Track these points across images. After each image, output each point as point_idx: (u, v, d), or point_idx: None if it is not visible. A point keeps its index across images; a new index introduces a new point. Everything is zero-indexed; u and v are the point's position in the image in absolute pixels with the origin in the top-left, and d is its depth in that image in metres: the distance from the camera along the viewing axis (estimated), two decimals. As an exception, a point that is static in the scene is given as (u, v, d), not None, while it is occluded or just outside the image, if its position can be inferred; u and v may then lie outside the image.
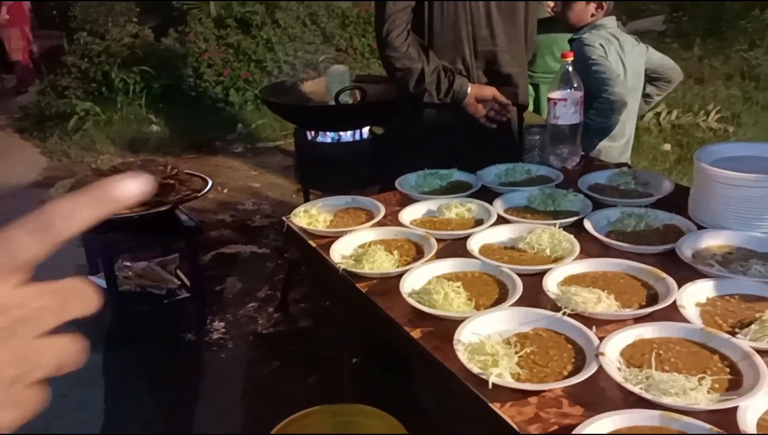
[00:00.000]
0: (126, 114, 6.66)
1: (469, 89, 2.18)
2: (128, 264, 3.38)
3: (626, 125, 2.62)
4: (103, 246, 2.88)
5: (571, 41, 2.58)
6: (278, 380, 2.69)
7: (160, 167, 3.08)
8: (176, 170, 3.09)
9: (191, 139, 5.94)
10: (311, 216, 1.78)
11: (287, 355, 2.85)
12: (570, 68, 2.03)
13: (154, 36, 7.81)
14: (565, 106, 2.04)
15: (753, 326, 1.17)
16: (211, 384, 2.75)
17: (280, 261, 3.58)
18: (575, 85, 2.03)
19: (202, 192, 2.96)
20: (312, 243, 1.71)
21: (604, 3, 2.57)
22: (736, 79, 6.42)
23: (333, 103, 2.82)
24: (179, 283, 3.28)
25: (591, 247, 1.57)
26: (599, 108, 2.39)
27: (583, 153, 2.22)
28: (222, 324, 3.10)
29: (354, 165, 2.94)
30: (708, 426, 0.96)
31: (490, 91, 2.21)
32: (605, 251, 1.55)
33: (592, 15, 2.59)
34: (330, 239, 1.67)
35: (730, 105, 5.62)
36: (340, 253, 1.59)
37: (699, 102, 5.67)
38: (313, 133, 2.99)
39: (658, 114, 5.36)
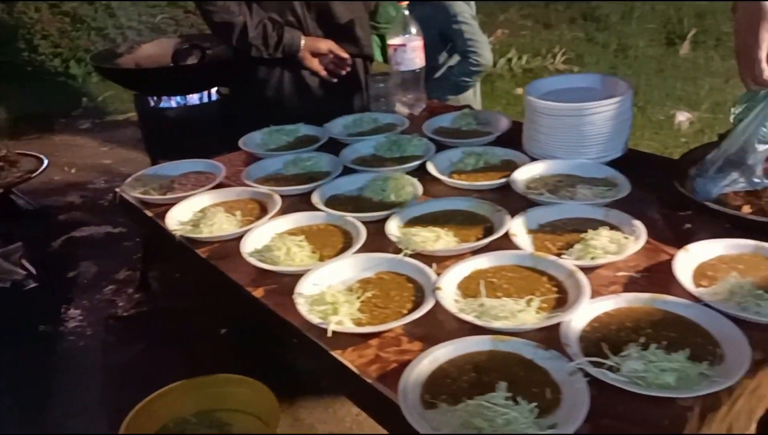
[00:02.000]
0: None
1: (302, 42, 2.10)
2: (-36, 259, 3.05)
3: None
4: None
5: None
6: (144, 362, 2.56)
7: (-14, 149, 2.79)
8: (5, 151, 2.80)
9: (31, 118, 5.43)
10: (145, 184, 1.67)
11: (151, 335, 2.71)
12: (407, 13, 2.02)
13: (-24, 7, 7.00)
14: (404, 52, 2.04)
15: (577, 246, 1.24)
16: (71, 375, 2.57)
17: (138, 239, 3.38)
18: (414, 32, 2.03)
19: (36, 172, 2.71)
20: (148, 212, 1.61)
21: None
22: (579, 22, 6.78)
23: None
24: (25, 272, 3.01)
25: (436, 189, 1.59)
26: (465, 69, 2.38)
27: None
28: (78, 311, 2.90)
29: (203, 129, 2.80)
30: (534, 343, 1.00)
31: (326, 45, 2.14)
32: (449, 191, 1.58)
33: None
34: (168, 207, 1.57)
35: (575, 46, 5.93)
36: (177, 219, 1.50)
37: (546, 46, 5.94)
38: (155, 98, 2.81)
39: (510, 60, 5.56)
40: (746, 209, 1.27)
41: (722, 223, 1.30)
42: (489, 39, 5.90)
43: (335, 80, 2.18)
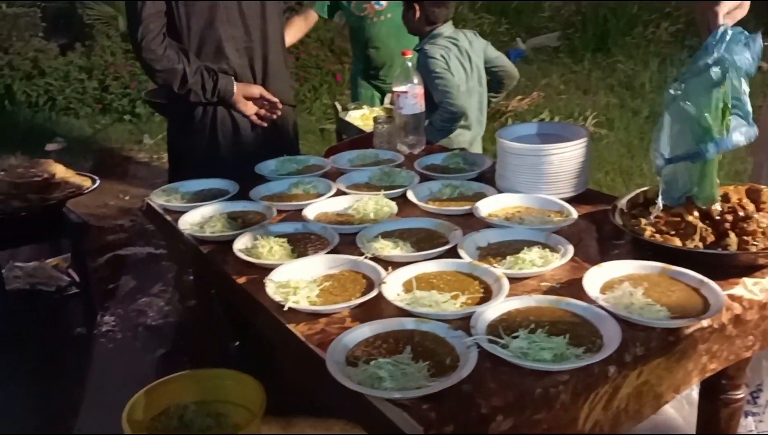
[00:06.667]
0: (29, 128, 6.60)
1: (235, 88, 2.26)
2: (20, 265, 3.42)
3: (476, 115, 2.88)
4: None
5: (416, 49, 2.80)
6: (163, 366, 2.81)
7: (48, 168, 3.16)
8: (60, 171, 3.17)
9: (96, 151, 5.97)
10: (168, 195, 1.97)
11: (173, 342, 2.98)
12: (410, 64, 2.30)
13: (60, 50, 7.74)
14: (406, 98, 2.31)
15: (509, 258, 1.44)
16: (97, 374, 2.84)
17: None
18: (415, 81, 2.30)
19: (88, 190, 3.06)
20: (168, 217, 1.89)
21: (431, 15, 2.79)
22: (618, 90, 6.98)
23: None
24: (69, 280, 3.35)
25: (413, 212, 1.82)
26: (443, 116, 2.67)
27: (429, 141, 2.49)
28: (112, 318, 3.20)
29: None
30: (447, 325, 1.21)
31: (257, 90, 2.30)
32: (423, 214, 1.80)
33: (428, 27, 2.78)
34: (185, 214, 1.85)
35: (608, 111, 6.12)
36: (189, 222, 1.78)
37: (580, 109, 6.14)
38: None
39: (543, 120, 5.79)
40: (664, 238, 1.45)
41: (646, 251, 1.48)
42: (524, 100, 6.16)
43: (265, 124, 2.35)
